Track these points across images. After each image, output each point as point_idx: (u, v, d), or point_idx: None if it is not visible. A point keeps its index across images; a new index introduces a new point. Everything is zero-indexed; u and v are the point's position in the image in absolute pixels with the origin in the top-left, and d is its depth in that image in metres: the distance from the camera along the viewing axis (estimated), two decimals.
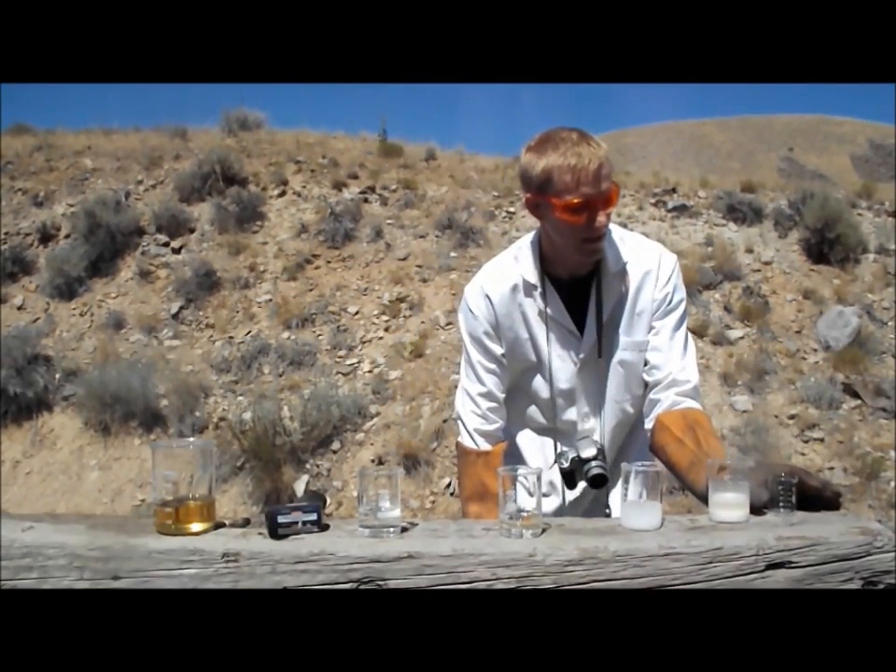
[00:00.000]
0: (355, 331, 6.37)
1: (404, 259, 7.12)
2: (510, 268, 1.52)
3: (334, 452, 5.32)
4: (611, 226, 1.48)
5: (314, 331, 6.43)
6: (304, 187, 8.10)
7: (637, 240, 1.54)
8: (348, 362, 6.09)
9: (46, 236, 7.46)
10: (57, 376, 5.99)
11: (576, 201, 1.35)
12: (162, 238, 7.43)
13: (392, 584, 1.06)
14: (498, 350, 1.51)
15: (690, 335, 1.55)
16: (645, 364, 1.50)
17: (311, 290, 6.86)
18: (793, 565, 1.09)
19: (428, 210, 7.79)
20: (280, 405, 5.57)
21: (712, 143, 36.83)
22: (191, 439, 4.64)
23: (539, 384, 1.53)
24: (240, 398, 5.84)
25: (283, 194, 8.00)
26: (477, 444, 1.54)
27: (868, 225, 7.85)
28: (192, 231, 7.59)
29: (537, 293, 1.48)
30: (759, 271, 7.15)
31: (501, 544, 1.11)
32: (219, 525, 1.19)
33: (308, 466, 5.19)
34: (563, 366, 1.50)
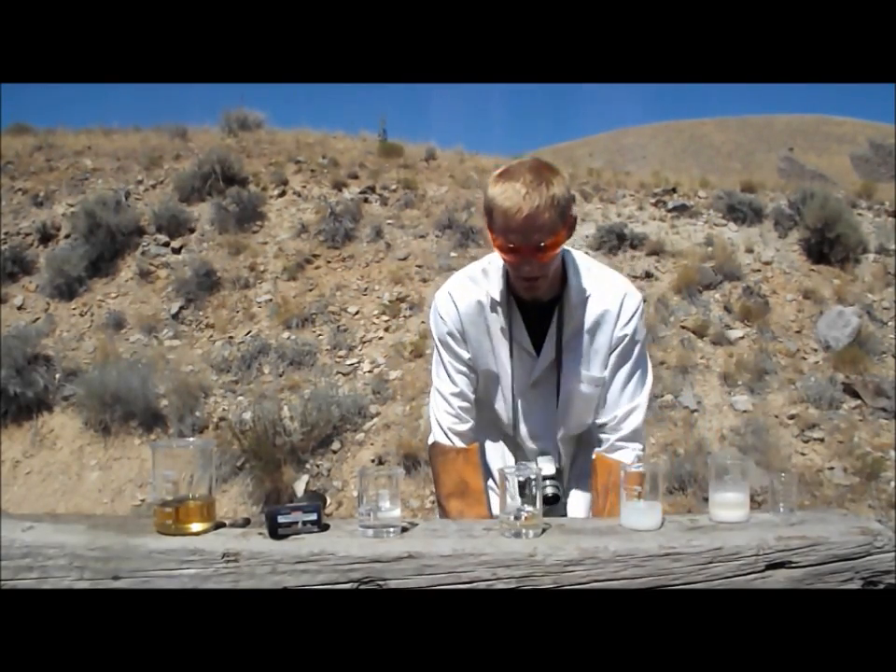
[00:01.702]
0: (355, 331, 6.36)
1: (404, 259, 7.12)
2: (478, 282, 1.54)
3: (334, 452, 5.32)
4: (582, 257, 1.53)
5: (314, 331, 6.43)
6: (304, 187, 8.10)
7: (604, 274, 1.55)
8: (348, 362, 6.09)
9: (46, 236, 7.46)
10: (57, 376, 5.99)
11: (500, 243, 1.38)
12: (162, 238, 7.43)
13: (392, 584, 1.06)
14: (466, 354, 1.55)
15: (649, 370, 1.57)
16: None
17: (311, 290, 6.86)
18: (793, 565, 1.09)
19: (428, 210, 7.79)
20: (280, 405, 5.57)
21: (712, 143, 36.82)
22: (191, 439, 4.63)
23: (499, 395, 1.57)
24: (240, 398, 5.84)
25: (283, 194, 8.00)
26: (453, 442, 1.57)
27: (868, 225, 7.85)
28: (192, 231, 7.59)
29: (500, 310, 1.51)
30: (759, 271, 7.14)
31: (501, 544, 1.11)
32: (219, 525, 1.19)
33: (308, 466, 5.18)
34: (518, 383, 1.54)
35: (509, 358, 1.52)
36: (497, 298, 1.51)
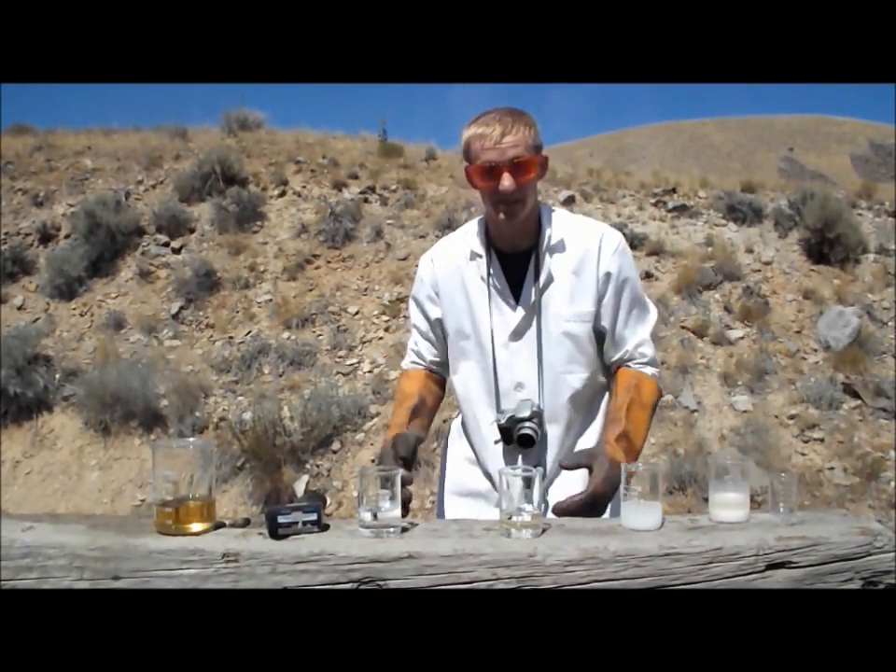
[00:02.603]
0: (355, 331, 6.37)
1: (404, 259, 7.12)
2: (459, 239, 1.65)
3: (334, 452, 5.32)
4: (556, 209, 1.62)
5: (314, 331, 6.43)
6: (304, 187, 8.10)
7: (580, 219, 1.63)
8: (348, 362, 6.09)
9: (46, 236, 7.46)
10: (57, 376, 5.99)
11: (480, 164, 1.46)
12: (162, 238, 7.43)
13: (392, 584, 1.06)
14: (435, 314, 1.65)
15: (648, 303, 1.64)
16: (601, 344, 1.59)
17: (311, 290, 6.86)
18: (793, 565, 1.09)
19: (428, 210, 7.79)
20: (280, 405, 5.57)
21: (712, 143, 36.83)
22: (191, 439, 4.63)
23: (479, 348, 1.60)
24: (240, 398, 5.84)
25: (283, 194, 8.01)
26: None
27: (868, 225, 7.85)
28: (192, 230, 7.59)
29: (480, 260, 1.58)
30: (759, 271, 7.15)
31: (501, 544, 1.11)
32: (219, 525, 1.19)
33: (308, 466, 5.19)
34: (499, 332, 1.57)
35: (488, 309, 1.56)
36: (477, 249, 1.59)
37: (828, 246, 7.23)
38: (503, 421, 1.52)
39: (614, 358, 1.60)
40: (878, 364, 6.07)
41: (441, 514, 1.67)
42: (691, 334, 6.32)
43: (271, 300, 6.76)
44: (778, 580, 1.08)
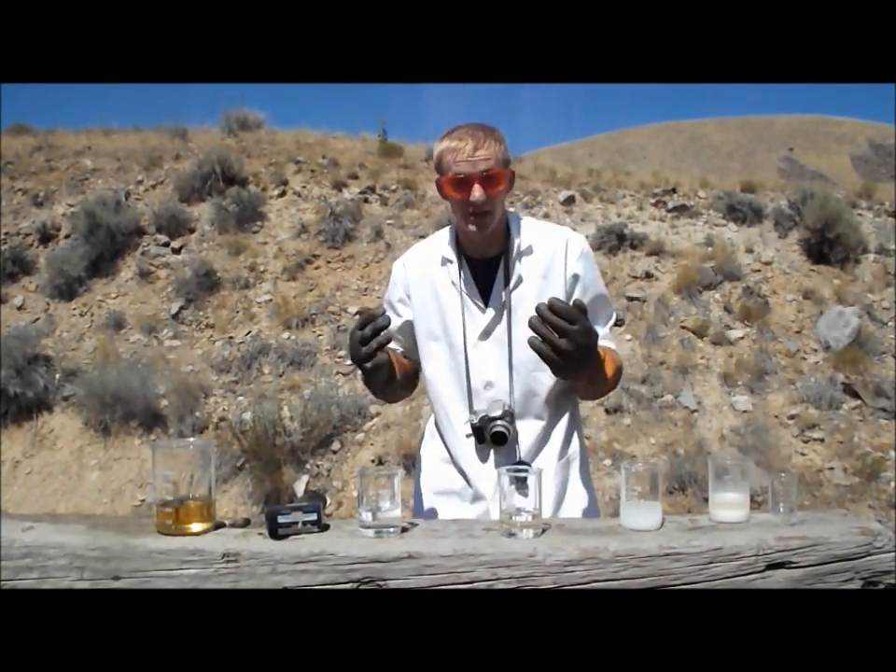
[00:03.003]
0: None
1: None
2: (431, 245, 1.71)
3: (334, 452, 5.32)
4: (525, 216, 1.70)
5: (314, 331, 6.44)
6: (304, 187, 8.10)
7: (546, 225, 1.70)
8: (348, 362, 6.09)
9: (46, 236, 7.46)
10: (57, 376, 5.99)
11: (452, 175, 1.52)
12: (162, 238, 7.43)
13: (392, 584, 1.06)
14: (407, 315, 1.68)
15: (609, 301, 1.71)
16: None
17: (311, 290, 6.87)
18: (793, 565, 1.09)
19: (428, 210, 7.79)
20: (280, 405, 5.57)
21: (712, 143, 36.84)
22: (191, 439, 4.64)
23: (449, 348, 1.64)
24: (240, 398, 5.84)
25: (283, 194, 8.01)
26: None
27: (868, 225, 7.85)
28: (192, 231, 7.60)
29: (451, 265, 1.64)
30: (759, 271, 7.15)
31: (501, 544, 1.11)
32: (219, 525, 1.19)
33: (308, 466, 5.19)
34: (470, 333, 1.62)
35: (460, 312, 1.62)
36: (448, 255, 1.65)
37: (828, 246, 7.23)
38: (476, 421, 1.58)
39: None
40: (878, 364, 6.07)
41: (418, 512, 1.71)
42: (691, 334, 6.32)
43: (271, 300, 6.76)
44: (778, 580, 1.08)
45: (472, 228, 1.55)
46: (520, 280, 1.60)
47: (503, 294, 1.60)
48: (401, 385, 1.69)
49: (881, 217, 8.09)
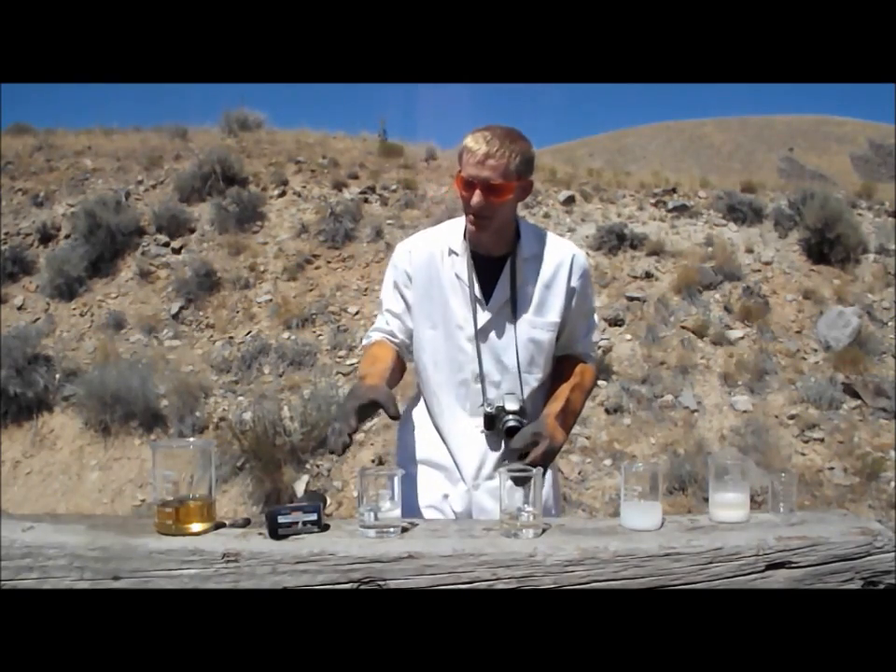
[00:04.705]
0: (355, 332, 6.36)
1: None
2: (439, 235, 1.73)
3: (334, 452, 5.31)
4: (533, 224, 1.76)
5: (314, 331, 6.43)
6: (304, 187, 8.10)
7: (555, 237, 1.75)
8: (348, 362, 6.09)
9: (46, 236, 7.45)
10: (57, 376, 5.98)
11: (461, 175, 1.57)
12: (162, 238, 7.42)
13: (392, 584, 1.06)
14: (409, 298, 1.71)
15: (594, 317, 1.81)
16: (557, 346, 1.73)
17: (311, 290, 6.86)
18: (793, 565, 1.09)
19: (428, 210, 7.79)
20: (280, 405, 5.57)
21: (712, 143, 36.83)
22: (191, 439, 4.64)
23: (445, 338, 1.68)
24: (240, 398, 5.84)
25: (283, 194, 8.00)
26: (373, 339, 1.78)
27: (868, 225, 7.85)
28: (192, 231, 7.59)
29: (456, 258, 1.67)
30: (759, 271, 7.14)
31: (502, 544, 1.11)
32: (219, 525, 1.19)
33: (308, 466, 5.18)
34: (467, 327, 1.66)
35: (462, 304, 1.65)
36: (455, 247, 1.67)
37: (828, 246, 7.23)
38: (490, 409, 1.63)
39: (565, 353, 1.74)
40: (878, 364, 6.07)
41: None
42: (691, 334, 6.31)
43: (271, 300, 6.76)
44: (778, 580, 1.08)
45: (471, 227, 1.61)
46: (524, 284, 1.66)
47: (506, 293, 1.65)
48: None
49: (881, 217, 8.09)
